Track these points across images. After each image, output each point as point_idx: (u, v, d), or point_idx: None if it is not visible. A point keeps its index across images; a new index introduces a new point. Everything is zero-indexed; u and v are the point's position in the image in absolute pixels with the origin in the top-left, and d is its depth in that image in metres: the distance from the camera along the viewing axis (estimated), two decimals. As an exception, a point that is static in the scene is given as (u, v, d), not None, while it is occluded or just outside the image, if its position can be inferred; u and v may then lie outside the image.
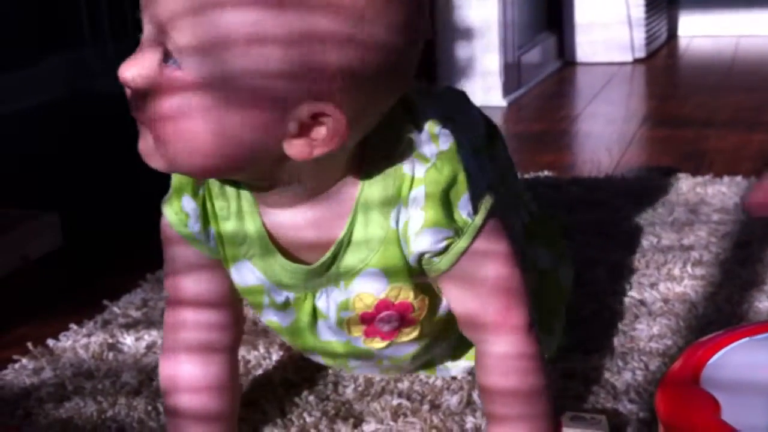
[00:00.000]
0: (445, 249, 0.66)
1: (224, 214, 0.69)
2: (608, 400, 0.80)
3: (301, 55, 0.55)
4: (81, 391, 0.86)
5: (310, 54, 0.55)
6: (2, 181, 1.55)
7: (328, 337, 0.74)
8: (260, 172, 0.63)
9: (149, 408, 0.83)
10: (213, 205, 0.69)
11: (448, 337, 0.79)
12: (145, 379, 0.88)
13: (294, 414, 0.80)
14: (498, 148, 0.87)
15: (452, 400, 0.81)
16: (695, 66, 2.57)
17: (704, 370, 0.73)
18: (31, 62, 2.20)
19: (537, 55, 2.37)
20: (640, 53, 2.57)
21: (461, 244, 0.66)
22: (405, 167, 0.65)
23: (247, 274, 0.71)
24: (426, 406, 0.80)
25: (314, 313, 0.72)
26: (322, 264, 0.68)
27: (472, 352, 0.83)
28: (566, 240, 0.97)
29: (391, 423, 0.78)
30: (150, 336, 0.96)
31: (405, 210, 0.65)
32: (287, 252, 0.69)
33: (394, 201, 0.65)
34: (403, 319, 0.72)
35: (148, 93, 0.58)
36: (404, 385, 0.84)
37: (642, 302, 0.98)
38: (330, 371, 0.86)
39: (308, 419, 0.79)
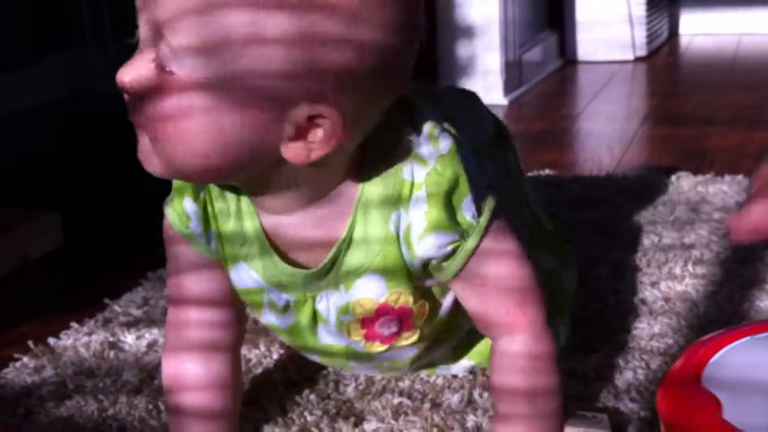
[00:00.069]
0: (452, 253, 0.66)
1: (224, 217, 0.69)
2: (609, 399, 0.80)
3: (296, 57, 0.55)
4: (82, 390, 0.86)
5: (305, 55, 0.55)
6: (3, 180, 1.55)
7: (328, 340, 0.74)
8: (258, 176, 0.62)
9: (150, 406, 0.83)
10: (213, 208, 0.69)
11: (448, 340, 0.79)
12: (146, 377, 0.88)
13: (295, 413, 0.80)
14: (504, 148, 0.87)
15: (453, 399, 0.81)
16: (696, 64, 2.56)
17: (705, 369, 0.73)
18: (33, 62, 2.20)
19: (538, 53, 2.37)
20: (642, 51, 2.57)
21: (468, 246, 0.66)
22: (404, 171, 0.65)
23: (246, 277, 0.71)
24: (427, 405, 0.80)
25: (314, 316, 0.72)
26: (322, 268, 0.68)
27: (473, 352, 0.83)
28: (569, 244, 0.97)
29: (392, 422, 0.78)
30: (151, 334, 0.96)
31: (405, 214, 0.65)
32: (287, 255, 0.69)
33: (394, 205, 0.65)
34: (402, 323, 0.72)
35: (145, 97, 0.58)
36: (405, 383, 0.84)
37: (643, 301, 0.98)
38: (331, 370, 0.86)
39: (309, 418, 0.79)
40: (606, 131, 1.81)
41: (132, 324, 0.99)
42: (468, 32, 2.10)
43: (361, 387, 0.84)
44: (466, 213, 0.65)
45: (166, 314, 1.00)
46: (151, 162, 0.60)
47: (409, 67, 0.62)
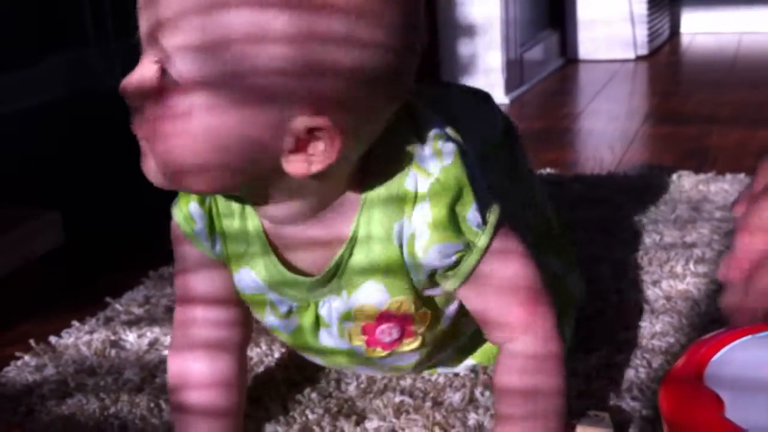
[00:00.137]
0: (457, 262, 0.66)
1: (229, 218, 0.68)
2: (611, 397, 0.80)
3: (294, 69, 0.54)
4: (83, 388, 0.86)
5: (302, 68, 0.54)
6: (5, 179, 1.55)
7: (330, 344, 0.74)
8: (259, 188, 0.62)
9: (152, 405, 0.83)
10: (219, 213, 0.69)
11: (451, 345, 0.78)
12: (147, 376, 0.88)
13: (296, 411, 0.80)
14: (512, 148, 0.86)
15: (455, 397, 0.81)
16: (698, 63, 2.56)
17: (707, 367, 0.73)
18: (35, 61, 2.20)
19: (539, 52, 2.37)
20: (643, 50, 2.57)
21: (474, 256, 0.66)
22: (407, 181, 0.64)
23: (249, 282, 0.71)
24: (428, 403, 0.80)
25: (317, 320, 0.72)
26: (325, 275, 0.68)
27: (476, 352, 0.83)
28: (572, 245, 0.97)
29: (394, 420, 0.78)
30: (152, 333, 0.96)
31: (409, 224, 0.65)
32: (289, 263, 0.69)
33: (397, 217, 0.65)
34: (403, 330, 0.72)
35: (147, 103, 0.58)
36: (407, 382, 0.84)
37: (644, 300, 0.98)
38: (332, 369, 0.86)
39: (311, 416, 0.79)
40: (607, 130, 1.81)
41: (133, 322, 0.99)
42: (469, 31, 2.10)
43: (362, 385, 0.83)
44: (471, 222, 0.65)
45: (167, 313, 1.01)
46: (154, 174, 0.60)
47: (411, 77, 0.61)
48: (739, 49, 2.63)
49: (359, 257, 0.66)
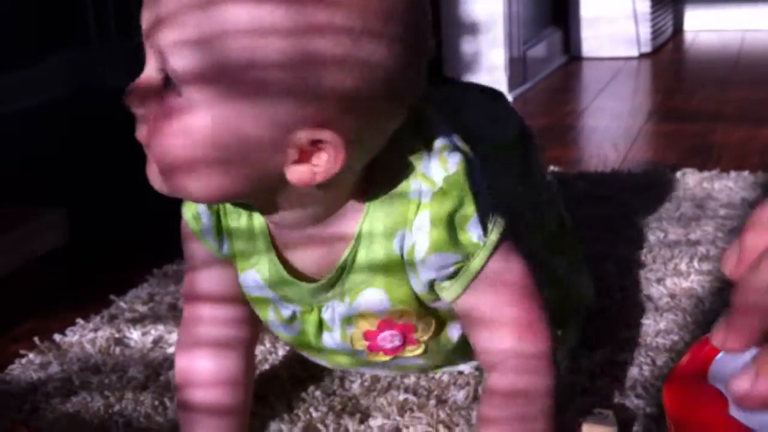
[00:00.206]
0: (455, 274, 0.65)
1: (236, 219, 0.68)
2: (615, 395, 0.80)
3: (296, 79, 0.54)
4: (88, 386, 0.87)
5: (304, 78, 0.54)
6: (9, 178, 1.56)
7: (333, 348, 0.73)
8: (263, 199, 0.62)
9: (156, 403, 0.83)
10: (226, 212, 0.69)
11: (457, 353, 0.77)
12: (151, 373, 0.88)
13: (301, 409, 0.80)
14: (526, 150, 0.86)
15: (459, 395, 0.81)
16: (701, 60, 2.56)
17: (712, 365, 0.73)
18: (38, 61, 2.21)
19: (542, 49, 2.37)
20: (646, 48, 2.57)
21: (473, 267, 0.65)
22: (411, 190, 0.63)
23: (253, 285, 0.70)
24: (432, 401, 0.80)
25: (320, 324, 0.71)
26: (327, 281, 0.67)
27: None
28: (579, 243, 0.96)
29: (398, 418, 0.78)
30: (157, 331, 0.96)
31: (410, 235, 0.64)
32: (294, 268, 0.68)
33: (399, 226, 0.64)
34: (405, 338, 0.71)
35: (148, 112, 0.57)
36: (411, 380, 0.84)
37: (649, 297, 0.98)
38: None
39: (315, 414, 0.79)
40: (611, 127, 1.81)
41: (137, 320, 1.00)
42: (472, 28, 2.10)
43: (366, 384, 0.84)
44: (472, 233, 0.64)
45: (171, 310, 1.01)
46: (157, 181, 0.60)
47: (417, 86, 0.61)
48: (743, 46, 2.63)
49: (361, 262, 0.66)
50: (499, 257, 0.65)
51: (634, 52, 2.55)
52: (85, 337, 0.96)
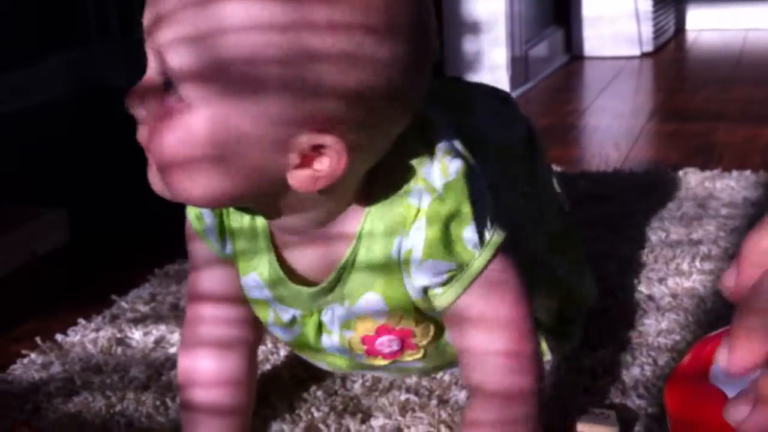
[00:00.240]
0: (448, 282, 0.64)
1: (238, 219, 0.68)
2: (617, 395, 0.80)
3: (296, 82, 0.53)
4: (89, 386, 0.87)
5: (305, 82, 0.53)
6: (9, 178, 1.56)
7: (332, 351, 0.73)
8: (264, 203, 0.62)
9: (158, 403, 0.83)
10: (228, 212, 0.68)
11: (455, 354, 0.77)
12: (153, 373, 0.88)
13: (302, 409, 0.80)
14: (533, 152, 0.85)
15: (460, 395, 0.81)
16: (703, 60, 2.56)
17: (713, 365, 0.72)
18: (39, 60, 2.21)
19: (544, 49, 2.36)
20: (648, 47, 2.56)
21: (466, 277, 0.64)
22: (412, 197, 0.63)
23: (254, 288, 0.70)
24: (434, 401, 0.80)
25: (319, 327, 0.71)
26: (326, 286, 0.67)
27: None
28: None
29: (399, 418, 0.78)
30: (158, 331, 0.96)
31: (407, 241, 0.63)
32: (294, 272, 0.68)
33: (398, 231, 0.63)
34: (404, 342, 0.71)
35: (151, 120, 0.57)
36: (412, 380, 0.84)
37: (650, 297, 0.98)
38: (338, 366, 0.86)
39: (316, 414, 0.79)
40: (613, 127, 1.81)
41: (139, 320, 1.00)
42: (474, 28, 2.10)
43: (368, 384, 0.84)
44: (467, 242, 0.63)
45: (173, 310, 1.01)
46: (158, 185, 0.60)
47: (421, 92, 0.60)
48: (745, 45, 2.63)
49: (361, 263, 0.65)
50: (494, 267, 0.64)
51: (636, 52, 2.55)
52: (86, 337, 0.96)
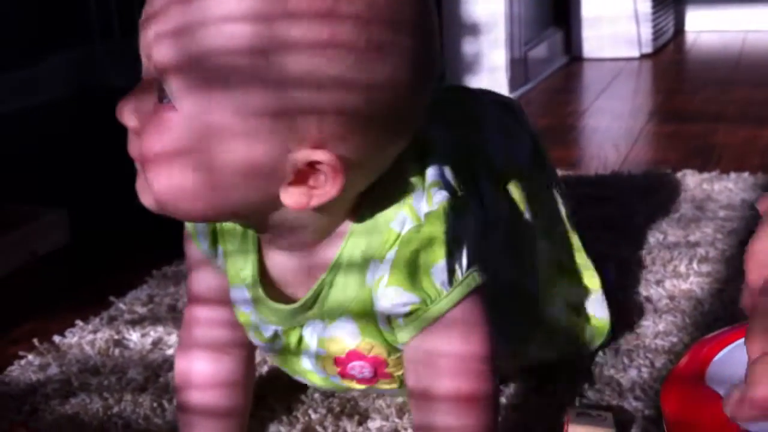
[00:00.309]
0: (409, 315, 0.61)
1: (230, 230, 0.67)
2: (614, 397, 0.80)
3: (295, 99, 0.52)
4: (87, 388, 0.87)
5: (304, 98, 0.52)
6: (9, 178, 1.56)
7: (309, 368, 0.71)
8: (254, 219, 0.61)
9: (155, 404, 0.83)
10: (222, 228, 0.68)
11: None
12: (151, 375, 0.88)
13: (300, 411, 0.80)
14: (539, 167, 0.83)
15: (457, 397, 0.81)
16: (703, 61, 2.56)
17: (710, 367, 0.72)
18: (40, 60, 2.21)
19: (544, 50, 2.36)
20: (647, 48, 2.56)
21: (429, 315, 0.61)
22: (395, 221, 0.61)
23: (241, 302, 0.69)
24: (431, 403, 0.80)
25: (299, 342, 0.69)
26: (303, 303, 0.65)
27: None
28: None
29: (397, 420, 0.78)
30: (156, 332, 0.97)
31: (381, 266, 0.61)
32: (275, 287, 0.67)
33: (375, 255, 0.61)
34: (376, 370, 0.68)
35: (141, 131, 0.56)
36: (409, 381, 0.84)
37: (648, 299, 0.98)
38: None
39: (314, 416, 0.79)
40: (612, 128, 1.81)
41: (137, 322, 1.00)
42: (473, 29, 2.10)
43: (365, 385, 0.84)
44: (435, 278, 0.60)
45: (171, 312, 1.01)
46: (145, 196, 0.59)
47: (423, 110, 0.59)
48: (744, 46, 2.63)
49: (336, 290, 0.64)
50: (462, 309, 0.61)
51: (636, 53, 2.55)
52: (84, 338, 0.96)
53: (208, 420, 0.73)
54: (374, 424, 0.78)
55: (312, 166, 0.55)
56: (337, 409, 0.80)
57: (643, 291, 1.00)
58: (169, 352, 0.92)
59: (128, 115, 0.57)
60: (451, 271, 0.60)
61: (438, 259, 0.60)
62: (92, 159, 1.68)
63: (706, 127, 1.75)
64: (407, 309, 0.61)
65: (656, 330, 0.91)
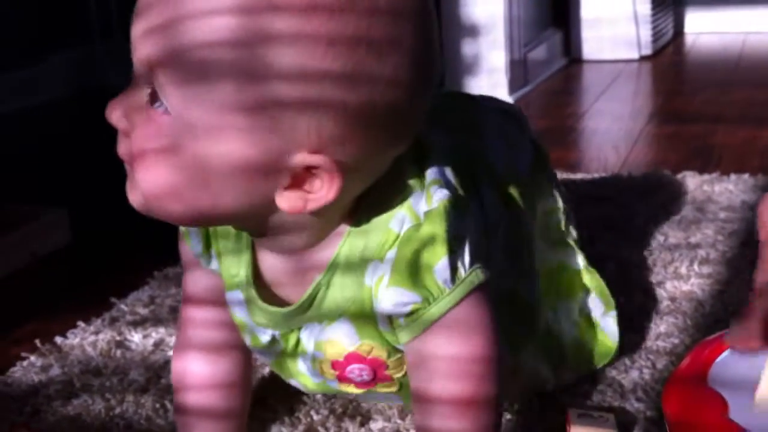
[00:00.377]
0: (411, 315, 0.61)
1: (223, 239, 0.67)
2: (615, 398, 0.80)
3: (284, 96, 0.52)
4: (89, 389, 0.87)
5: (293, 95, 0.52)
6: (9, 178, 1.56)
7: (304, 371, 0.70)
8: (249, 223, 0.60)
9: (157, 405, 0.83)
10: (216, 228, 0.67)
11: None
12: (152, 376, 0.88)
13: (302, 412, 0.80)
14: (541, 174, 0.83)
15: (459, 399, 0.81)
16: (702, 63, 2.56)
17: (711, 368, 0.73)
18: (40, 59, 2.21)
19: (543, 52, 2.37)
20: (647, 50, 2.56)
21: (430, 313, 0.60)
22: (393, 222, 0.60)
23: (236, 303, 0.68)
24: (433, 404, 0.80)
25: (297, 345, 0.68)
26: (299, 306, 0.65)
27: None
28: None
29: (399, 421, 0.78)
30: (157, 333, 0.97)
31: (381, 266, 0.60)
32: (269, 289, 0.66)
33: (374, 256, 0.61)
34: (376, 373, 0.68)
35: (131, 132, 0.56)
36: (411, 383, 0.84)
37: (649, 300, 0.98)
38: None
39: (316, 417, 0.79)
40: (611, 130, 1.81)
41: (139, 323, 1.00)
42: (473, 30, 2.10)
43: (367, 386, 0.84)
44: (437, 276, 0.59)
45: (172, 313, 1.01)
46: (135, 197, 0.58)
47: (422, 114, 0.58)
48: (744, 48, 2.63)
49: (334, 291, 0.63)
50: (465, 307, 0.61)
51: (635, 55, 2.55)
52: (86, 339, 0.97)
53: (205, 421, 0.73)
54: (376, 425, 0.78)
55: (309, 171, 0.55)
56: (339, 410, 0.80)
57: (644, 293, 1.00)
58: (171, 353, 0.92)
59: (117, 117, 0.56)
60: (453, 269, 0.60)
61: (440, 257, 0.59)
62: (92, 159, 1.68)
63: (706, 128, 1.75)
64: (408, 309, 0.60)
65: (657, 331, 0.91)
